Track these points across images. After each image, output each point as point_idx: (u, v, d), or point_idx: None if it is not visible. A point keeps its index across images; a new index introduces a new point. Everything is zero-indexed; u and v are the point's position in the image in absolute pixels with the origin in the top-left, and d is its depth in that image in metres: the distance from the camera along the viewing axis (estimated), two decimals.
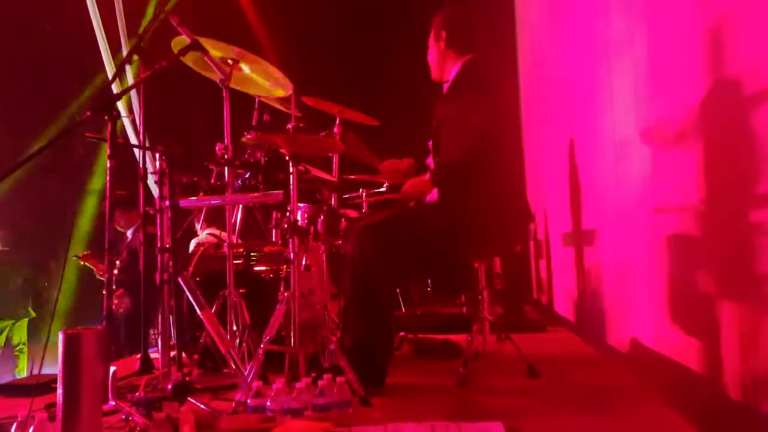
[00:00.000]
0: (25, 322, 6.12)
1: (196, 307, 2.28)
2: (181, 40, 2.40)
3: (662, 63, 2.09)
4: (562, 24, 4.07)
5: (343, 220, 2.51)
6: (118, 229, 4.31)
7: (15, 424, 1.58)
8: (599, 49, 3.03)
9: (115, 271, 4.08)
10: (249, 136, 2.45)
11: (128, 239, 4.38)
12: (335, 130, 2.87)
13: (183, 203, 2.46)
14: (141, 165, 2.68)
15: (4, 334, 6.01)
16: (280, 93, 2.73)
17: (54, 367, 1.59)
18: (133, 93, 4.40)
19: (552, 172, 4.81)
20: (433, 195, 2.46)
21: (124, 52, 6.56)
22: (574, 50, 3.70)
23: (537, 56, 5.49)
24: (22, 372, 5.94)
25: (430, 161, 2.64)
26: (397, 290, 3.95)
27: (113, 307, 2.42)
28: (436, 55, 2.60)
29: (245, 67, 2.64)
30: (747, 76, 1.51)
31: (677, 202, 2.00)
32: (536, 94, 5.62)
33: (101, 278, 4.24)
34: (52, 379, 2.29)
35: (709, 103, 1.73)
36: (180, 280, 2.19)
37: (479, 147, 2.32)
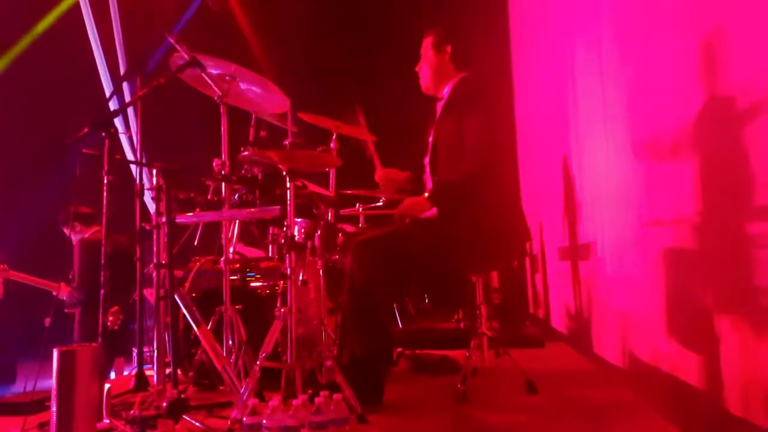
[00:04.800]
0: None
1: (192, 324, 2.27)
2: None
3: (656, 76, 2.11)
4: (555, 37, 4.11)
5: (340, 235, 2.51)
6: (69, 236, 4.34)
7: None
8: (592, 62, 3.06)
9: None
10: (246, 153, 2.46)
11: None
12: (332, 145, 2.88)
13: (180, 219, 2.46)
14: (137, 181, 2.67)
15: None
16: (277, 109, 2.74)
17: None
18: (130, 110, 4.43)
19: (547, 187, 4.82)
20: (431, 211, 2.46)
21: (122, 69, 6.59)
22: (567, 64, 3.73)
23: (530, 70, 5.54)
24: None
25: (426, 178, 2.64)
26: (394, 306, 3.94)
27: (108, 323, 2.40)
28: (436, 68, 2.56)
29: (242, 84, 2.65)
30: (741, 89, 1.52)
31: (673, 215, 2.01)
32: (530, 108, 5.66)
33: (58, 297, 4.17)
34: (46, 397, 2.27)
35: (704, 116, 1.75)
36: (176, 296, 2.18)
37: (477, 166, 2.32)
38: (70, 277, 4.27)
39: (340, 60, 6.65)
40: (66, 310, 4.12)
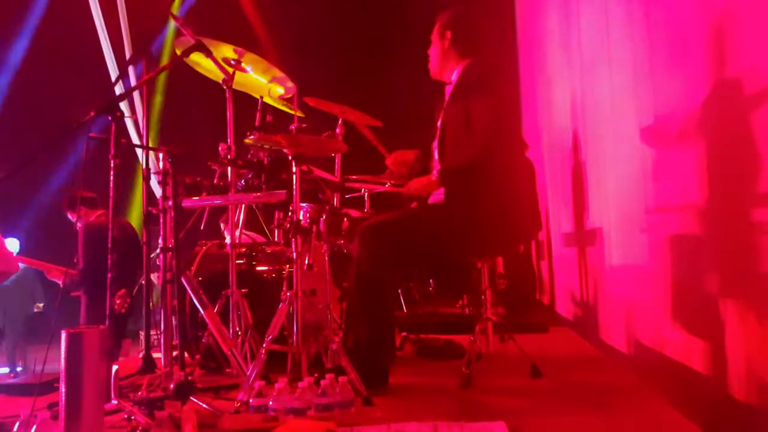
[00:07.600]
0: None
1: (198, 307, 2.28)
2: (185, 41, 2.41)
3: (664, 61, 2.09)
4: (562, 23, 4.07)
5: (345, 219, 2.51)
6: (73, 221, 4.34)
7: (17, 424, 1.58)
8: (600, 48, 3.03)
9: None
10: (252, 137, 2.46)
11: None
12: (337, 130, 2.87)
13: (186, 203, 2.47)
14: (144, 165, 2.68)
15: None
16: (283, 93, 2.74)
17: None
18: (136, 94, 4.43)
19: (553, 172, 4.80)
20: (438, 195, 2.45)
21: (127, 54, 6.58)
22: (573, 50, 3.69)
23: (537, 57, 5.49)
24: None
25: (434, 162, 2.64)
26: (399, 290, 3.95)
27: (116, 307, 2.42)
28: (438, 53, 2.59)
29: (248, 68, 2.64)
30: (749, 74, 1.51)
31: (679, 202, 2.00)
32: (536, 95, 5.62)
33: (55, 281, 4.19)
34: (55, 379, 2.30)
35: (711, 102, 1.73)
36: (183, 279, 2.19)
37: (485, 150, 2.31)
38: (75, 261, 4.29)
39: (349, 45, 6.62)
40: (72, 293, 4.15)
